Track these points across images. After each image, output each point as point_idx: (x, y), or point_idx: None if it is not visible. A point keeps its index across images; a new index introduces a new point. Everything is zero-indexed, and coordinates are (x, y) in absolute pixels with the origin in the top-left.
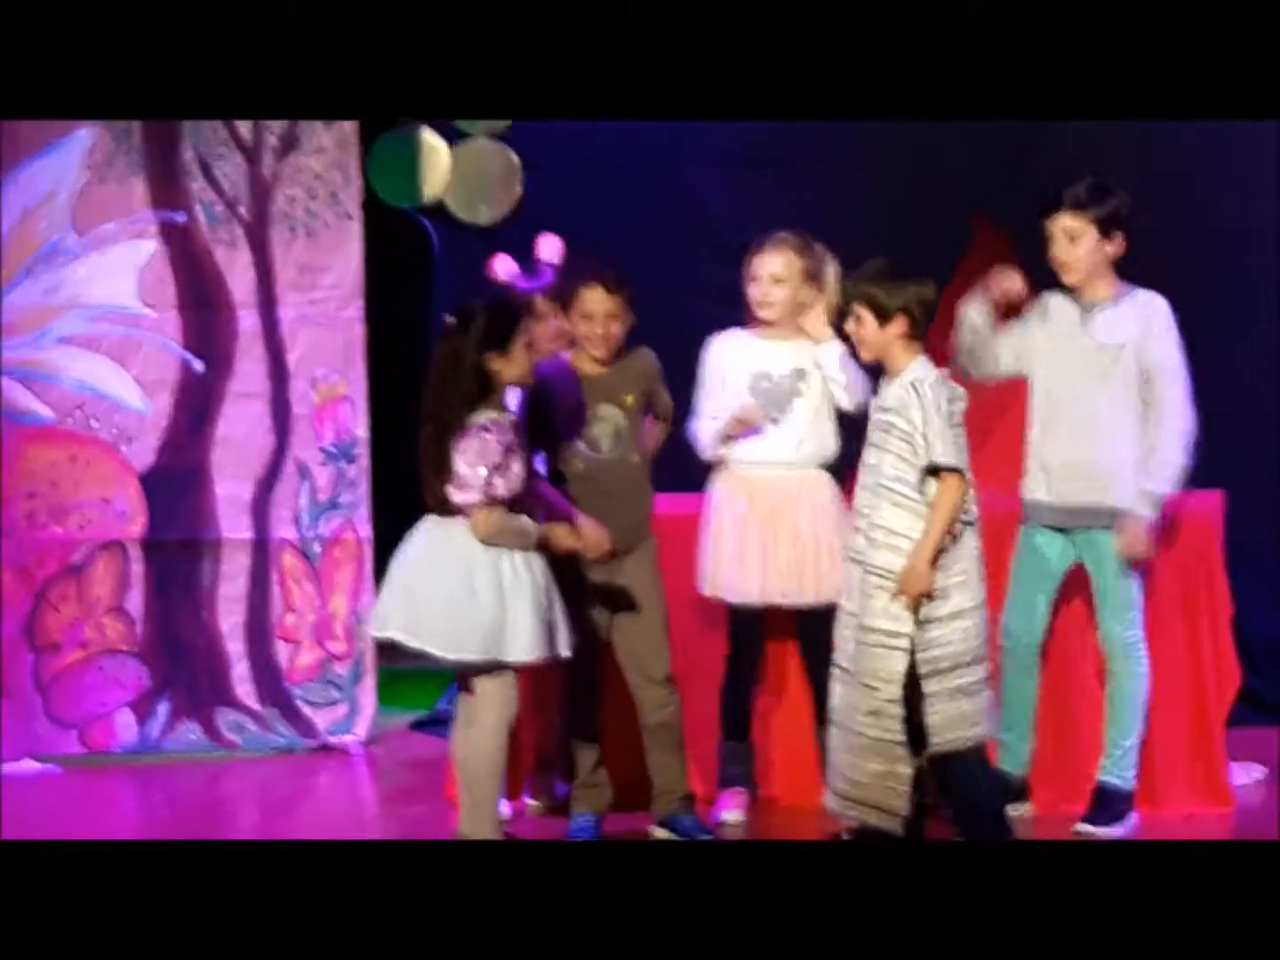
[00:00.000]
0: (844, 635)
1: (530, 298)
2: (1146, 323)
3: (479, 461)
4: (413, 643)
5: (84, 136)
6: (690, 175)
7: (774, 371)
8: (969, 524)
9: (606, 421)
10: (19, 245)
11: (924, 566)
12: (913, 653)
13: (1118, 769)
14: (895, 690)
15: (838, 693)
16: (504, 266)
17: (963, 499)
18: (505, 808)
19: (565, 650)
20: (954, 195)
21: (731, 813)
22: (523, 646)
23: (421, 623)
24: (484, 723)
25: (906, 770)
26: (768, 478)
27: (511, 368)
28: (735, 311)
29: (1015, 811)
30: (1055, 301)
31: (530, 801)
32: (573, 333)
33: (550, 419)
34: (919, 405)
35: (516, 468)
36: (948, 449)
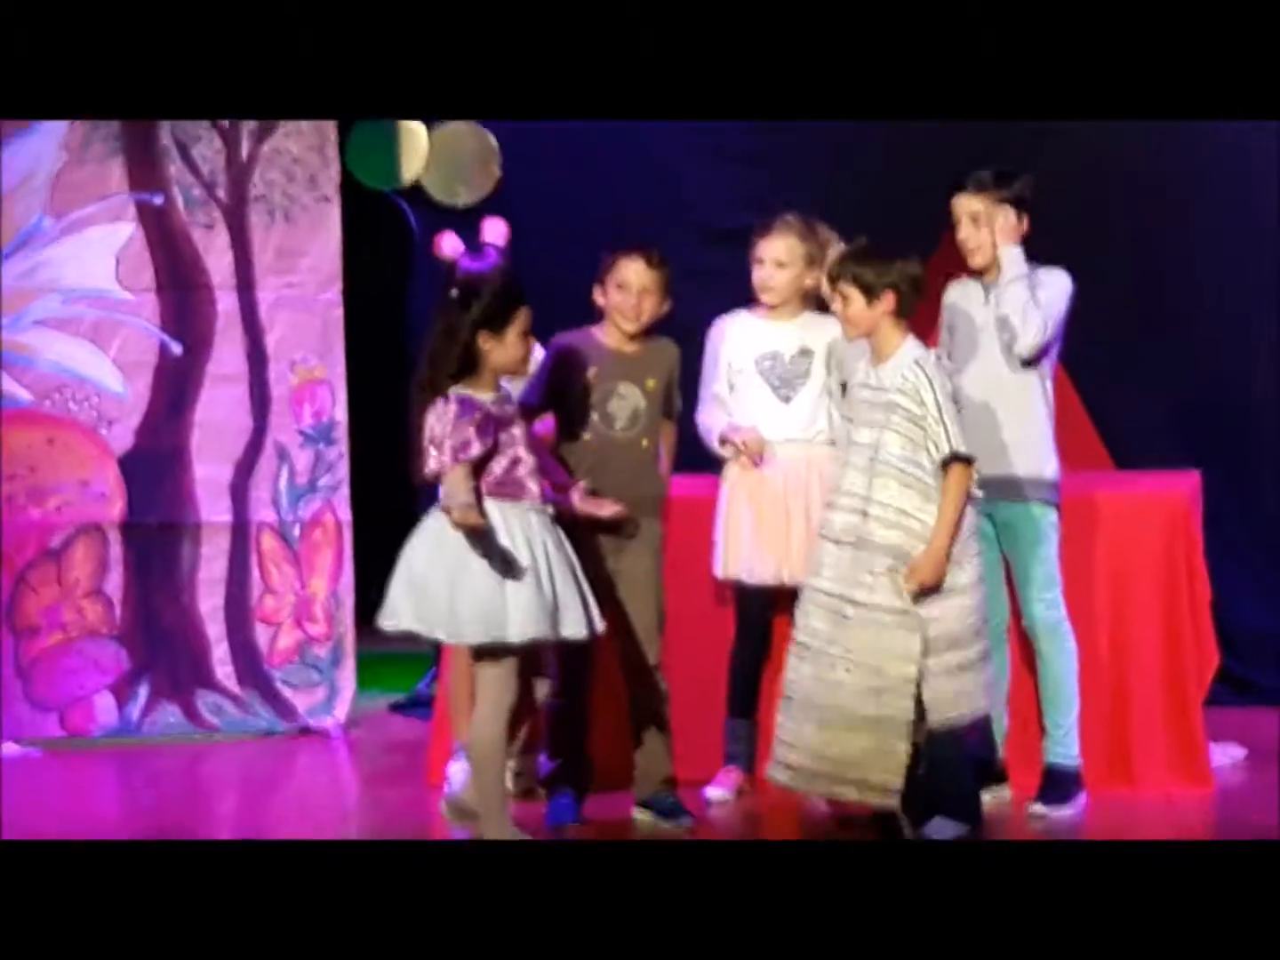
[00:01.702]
0: (811, 612)
1: (479, 279)
2: (1043, 280)
3: (434, 430)
4: (424, 631)
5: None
6: (671, 161)
7: (783, 352)
8: (970, 501)
9: (626, 400)
10: None
11: (940, 557)
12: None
13: (1062, 748)
14: (909, 669)
15: (800, 670)
16: (450, 244)
17: (970, 484)
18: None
19: (572, 630)
20: (936, 175)
21: (718, 791)
22: (520, 625)
23: (427, 609)
24: (481, 710)
25: (904, 747)
26: (779, 457)
27: (502, 351)
28: (724, 295)
29: (993, 795)
30: (959, 285)
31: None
32: (604, 303)
33: (569, 387)
34: (930, 388)
35: (478, 447)
36: (959, 436)
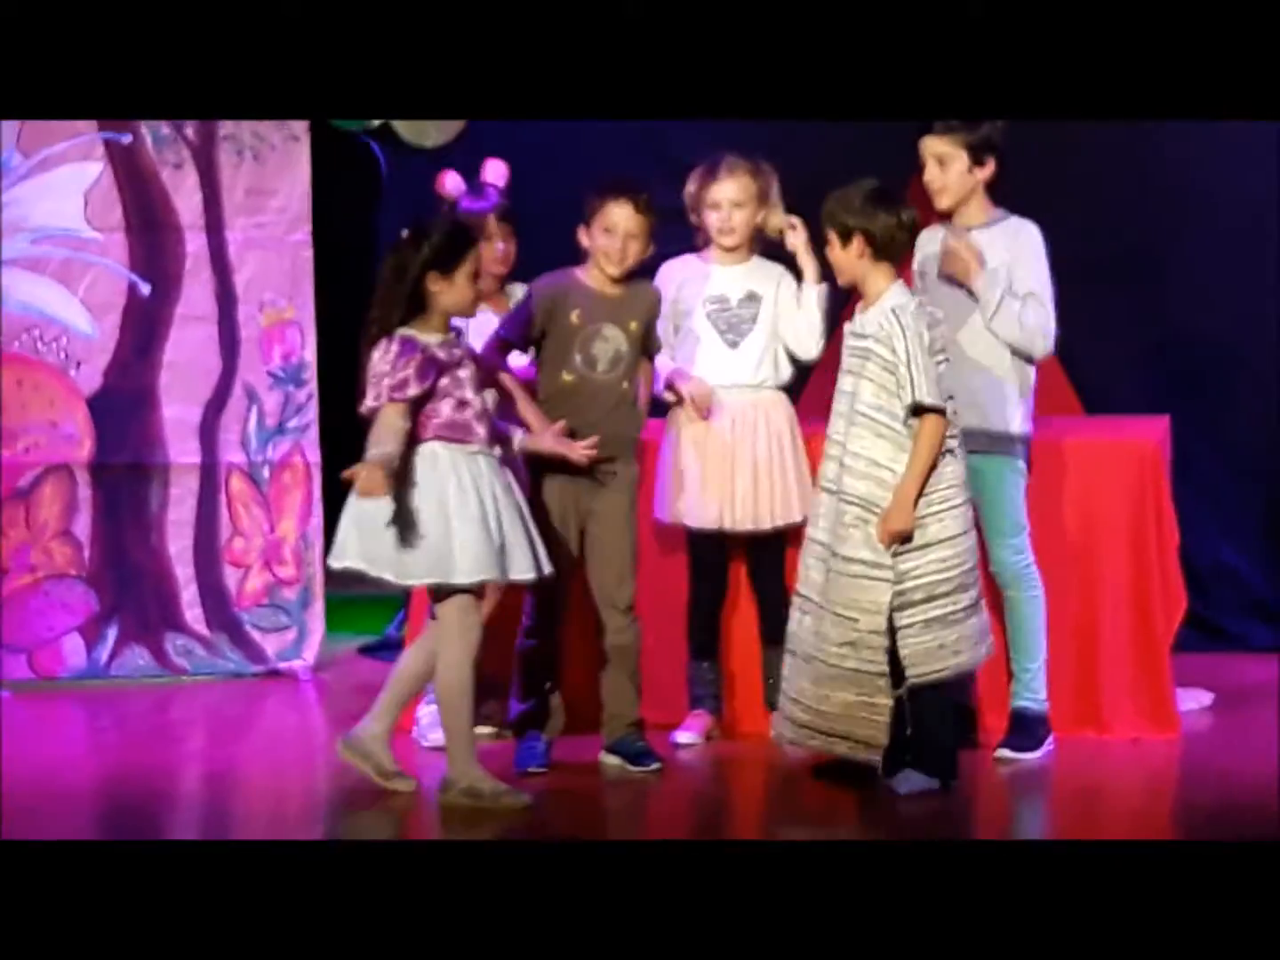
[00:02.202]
0: (810, 564)
1: (480, 218)
2: (1015, 248)
3: (374, 369)
4: (370, 570)
5: None
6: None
7: (730, 296)
8: (949, 452)
9: (609, 342)
10: None
11: (906, 506)
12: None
13: (1029, 692)
14: (879, 621)
15: (803, 623)
16: (453, 183)
17: (943, 435)
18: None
19: (519, 573)
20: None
21: (687, 735)
22: (467, 567)
23: (374, 549)
24: (446, 656)
25: (885, 701)
26: (726, 402)
27: (451, 293)
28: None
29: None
30: (930, 232)
31: (480, 729)
32: (589, 244)
33: (552, 327)
34: (902, 336)
35: (414, 388)
36: (931, 387)
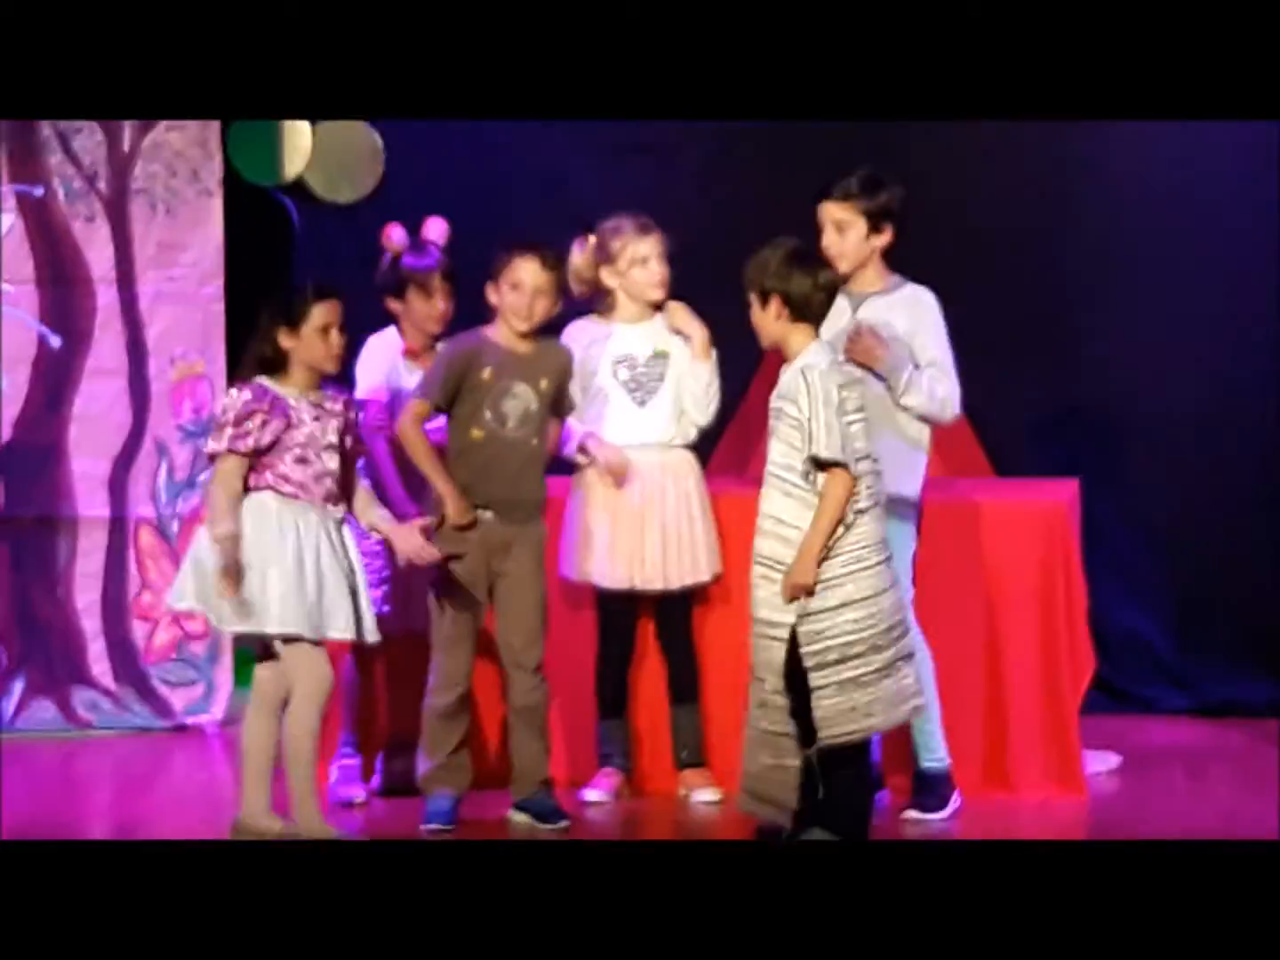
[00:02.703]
0: (752, 630)
1: (425, 275)
2: (915, 317)
3: (222, 413)
4: (203, 612)
5: None
6: (559, 159)
7: (638, 355)
8: (863, 511)
9: (519, 400)
10: None
11: (809, 560)
12: (796, 644)
13: (928, 752)
14: (777, 682)
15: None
16: (399, 236)
17: (849, 492)
18: (359, 789)
19: (338, 633)
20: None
21: (595, 793)
22: (278, 617)
23: (206, 592)
24: (296, 705)
25: (794, 763)
26: (635, 461)
27: (302, 349)
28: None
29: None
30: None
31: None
32: (497, 302)
33: (464, 385)
34: (806, 393)
35: (252, 441)
36: (832, 441)
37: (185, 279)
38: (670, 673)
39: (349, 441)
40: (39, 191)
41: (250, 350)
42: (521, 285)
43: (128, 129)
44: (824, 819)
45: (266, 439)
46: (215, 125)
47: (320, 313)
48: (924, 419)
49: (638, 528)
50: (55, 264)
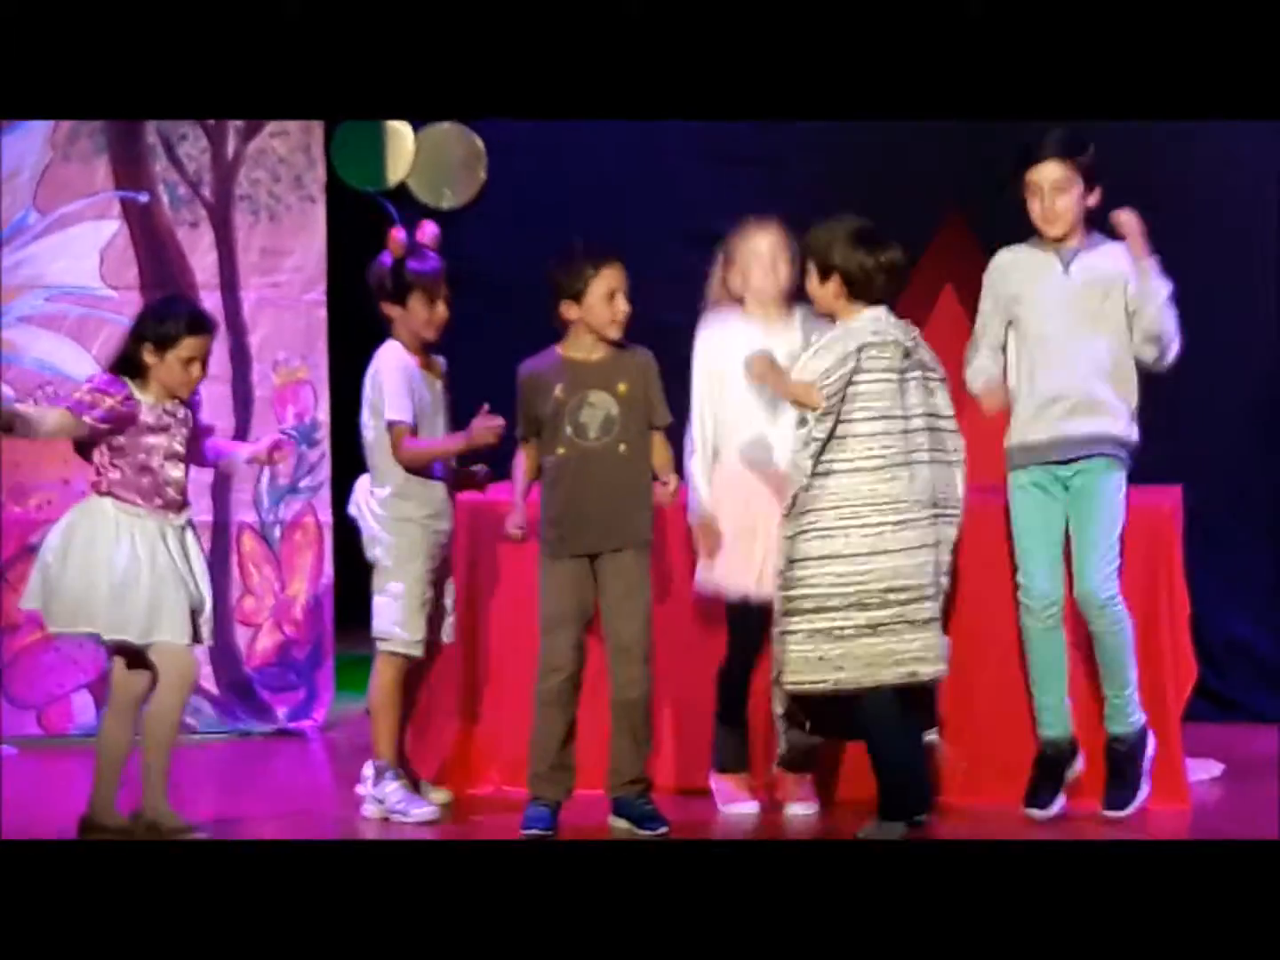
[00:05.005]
0: None
1: (431, 279)
2: (1126, 261)
3: (84, 384)
4: (42, 613)
5: None
6: (665, 165)
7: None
8: (868, 470)
9: (596, 408)
10: None
11: (798, 384)
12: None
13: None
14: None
15: None
16: (403, 240)
17: (814, 399)
18: (441, 795)
19: (168, 636)
20: (927, 190)
21: (799, 806)
22: (107, 623)
23: (48, 595)
24: (162, 700)
25: (778, 709)
26: (765, 475)
27: (163, 369)
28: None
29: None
30: (1018, 255)
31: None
32: (576, 316)
33: (539, 410)
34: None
35: (89, 418)
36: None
37: (288, 285)
38: None
39: (195, 450)
40: (144, 198)
41: (114, 354)
42: (616, 293)
43: (231, 135)
44: (879, 774)
45: (98, 425)
46: (318, 131)
47: (190, 347)
48: (1153, 341)
49: (765, 541)
50: (159, 270)
